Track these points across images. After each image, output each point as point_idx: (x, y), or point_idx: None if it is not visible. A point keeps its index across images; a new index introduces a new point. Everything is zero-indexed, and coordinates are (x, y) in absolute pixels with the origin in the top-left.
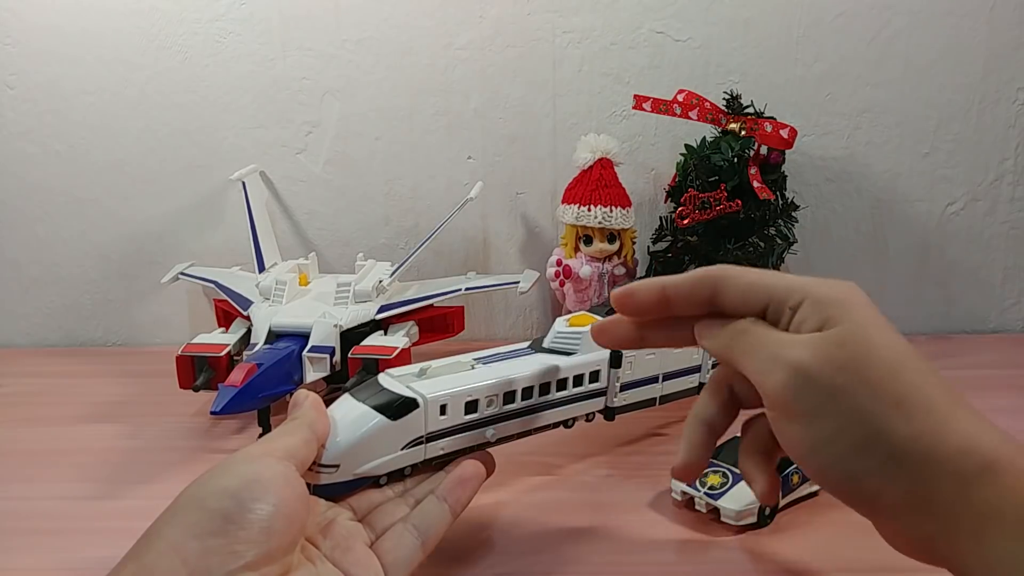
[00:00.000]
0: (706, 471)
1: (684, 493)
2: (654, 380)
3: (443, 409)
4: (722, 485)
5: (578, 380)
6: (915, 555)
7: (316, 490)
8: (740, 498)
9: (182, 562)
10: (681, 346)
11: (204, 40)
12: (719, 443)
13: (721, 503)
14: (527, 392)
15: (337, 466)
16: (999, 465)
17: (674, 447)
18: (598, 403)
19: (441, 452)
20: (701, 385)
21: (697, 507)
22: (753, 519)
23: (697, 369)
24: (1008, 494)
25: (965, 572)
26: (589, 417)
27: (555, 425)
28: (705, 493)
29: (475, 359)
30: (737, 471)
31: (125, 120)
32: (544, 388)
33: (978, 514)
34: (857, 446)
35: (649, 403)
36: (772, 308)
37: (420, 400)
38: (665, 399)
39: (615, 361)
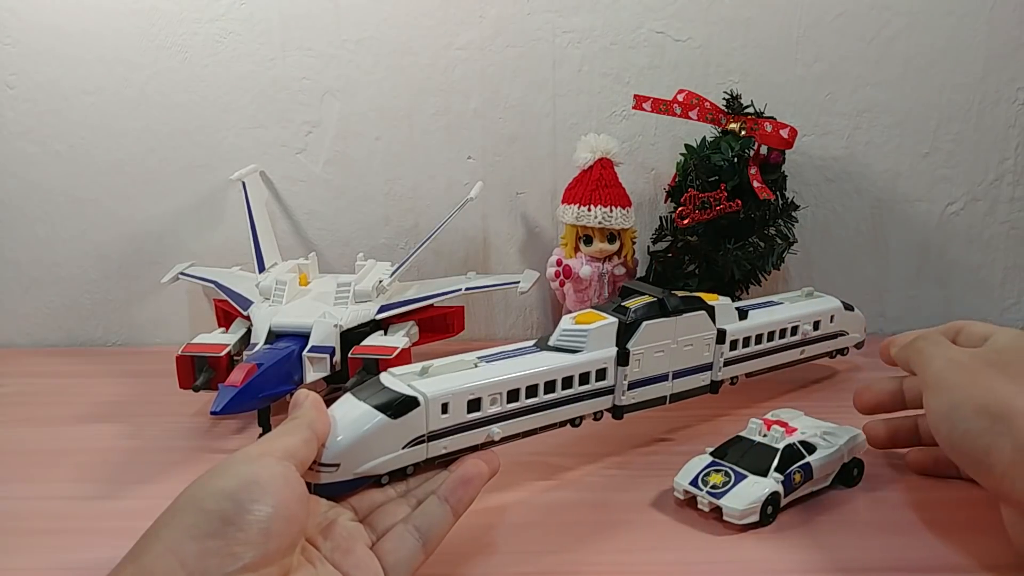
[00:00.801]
0: (708, 470)
1: (686, 492)
2: (664, 378)
3: (444, 408)
4: (724, 484)
5: (584, 378)
6: (1022, 509)
7: (317, 489)
8: (743, 497)
9: (180, 564)
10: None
11: (204, 40)
12: (721, 443)
13: (723, 502)
14: (531, 390)
15: (338, 465)
16: None
17: (682, 449)
18: (606, 401)
19: (443, 451)
20: (713, 383)
21: (700, 506)
22: (755, 518)
23: (708, 367)
24: None
25: None
26: (597, 416)
27: (562, 424)
28: (708, 492)
29: (479, 358)
30: (739, 470)
31: (125, 120)
32: (549, 386)
33: None
34: (977, 408)
35: (659, 402)
36: (973, 343)
37: (421, 398)
38: (675, 397)
39: (622, 359)
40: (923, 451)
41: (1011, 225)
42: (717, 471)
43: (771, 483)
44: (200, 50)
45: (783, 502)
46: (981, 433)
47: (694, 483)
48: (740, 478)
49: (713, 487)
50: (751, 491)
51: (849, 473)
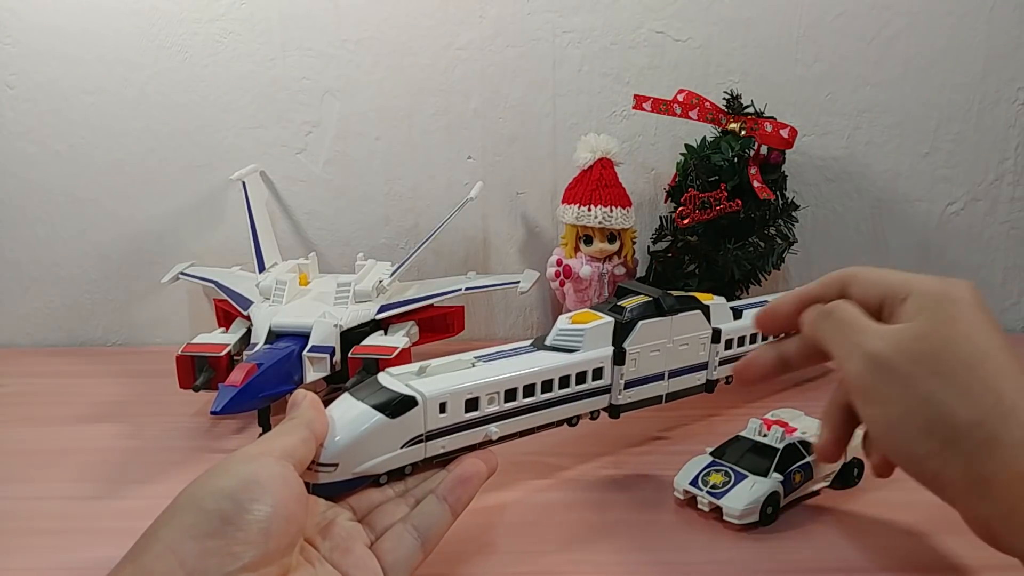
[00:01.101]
0: (708, 470)
1: (686, 492)
2: (659, 377)
3: (443, 407)
4: (724, 484)
5: (581, 377)
6: (983, 538)
7: (315, 489)
8: (742, 497)
9: (180, 563)
10: (817, 357)
11: (204, 40)
12: (720, 442)
13: (723, 502)
14: (529, 390)
15: (336, 465)
16: None
17: (678, 448)
18: (602, 400)
19: (442, 451)
20: (708, 382)
21: (700, 506)
22: (755, 518)
23: (704, 366)
24: None
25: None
26: (594, 415)
27: (559, 423)
28: (708, 492)
29: (476, 357)
30: (739, 470)
31: (125, 120)
32: (546, 386)
33: None
34: (921, 429)
35: (655, 400)
36: (887, 302)
37: (419, 398)
38: (671, 396)
39: (618, 358)
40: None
41: (1011, 225)
42: (717, 471)
43: (771, 483)
44: (200, 50)
45: (783, 502)
46: (927, 456)
47: (694, 483)
48: (740, 478)
49: (713, 487)
50: (751, 491)
51: (849, 473)
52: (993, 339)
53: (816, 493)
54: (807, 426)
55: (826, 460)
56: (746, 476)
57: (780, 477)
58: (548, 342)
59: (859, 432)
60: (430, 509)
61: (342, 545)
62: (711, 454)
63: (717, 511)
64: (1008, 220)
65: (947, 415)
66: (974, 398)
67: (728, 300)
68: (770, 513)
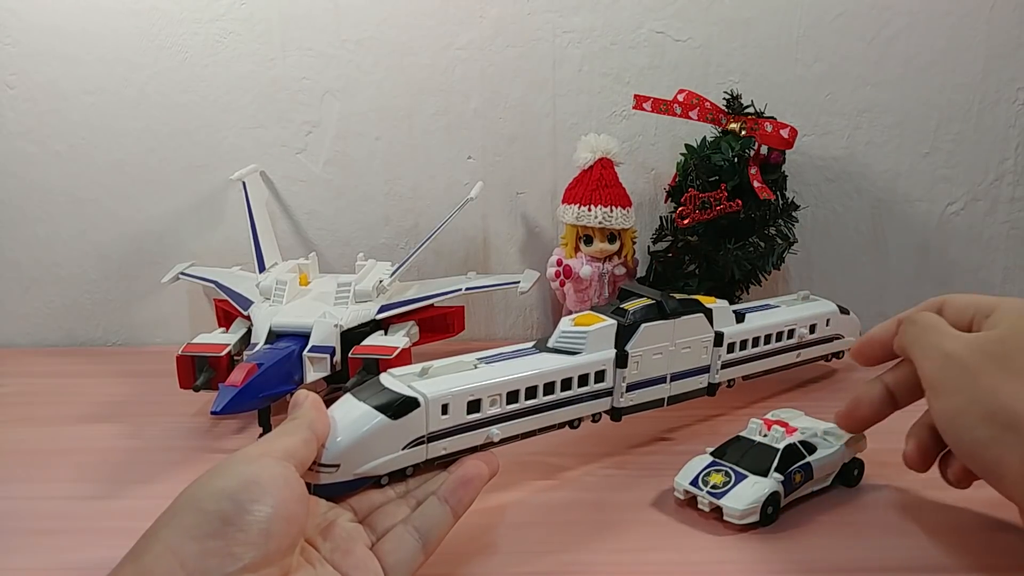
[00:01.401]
0: (708, 470)
1: (687, 492)
2: (662, 380)
3: (445, 408)
4: (725, 484)
5: (583, 380)
6: None
7: (316, 490)
8: (743, 497)
9: (180, 564)
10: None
11: (204, 40)
12: (721, 442)
13: (724, 502)
14: (531, 392)
15: (337, 466)
16: None
17: (680, 448)
18: (604, 403)
19: (443, 452)
20: (710, 386)
21: (700, 506)
22: (756, 518)
23: (706, 370)
24: None
25: None
26: (595, 418)
27: (560, 425)
28: (708, 492)
29: (478, 359)
30: (740, 470)
31: (125, 120)
32: (548, 388)
33: None
34: (984, 416)
35: (657, 404)
36: (976, 319)
37: (421, 399)
38: (673, 400)
39: (621, 361)
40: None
41: (1011, 225)
42: (717, 471)
43: (771, 483)
44: (200, 50)
45: (783, 502)
46: (990, 443)
47: (694, 483)
48: (740, 478)
49: (713, 487)
50: (751, 491)
51: (849, 473)
52: None
53: (816, 493)
54: (807, 426)
55: (911, 467)
56: (746, 476)
57: (780, 477)
58: (551, 344)
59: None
60: (431, 511)
61: (343, 546)
62: (712, 454)
63: (717, 511)
64: (1008, 220)
65: (1011, 402)
66: None
67: (728, 300)
68: (770, 513)
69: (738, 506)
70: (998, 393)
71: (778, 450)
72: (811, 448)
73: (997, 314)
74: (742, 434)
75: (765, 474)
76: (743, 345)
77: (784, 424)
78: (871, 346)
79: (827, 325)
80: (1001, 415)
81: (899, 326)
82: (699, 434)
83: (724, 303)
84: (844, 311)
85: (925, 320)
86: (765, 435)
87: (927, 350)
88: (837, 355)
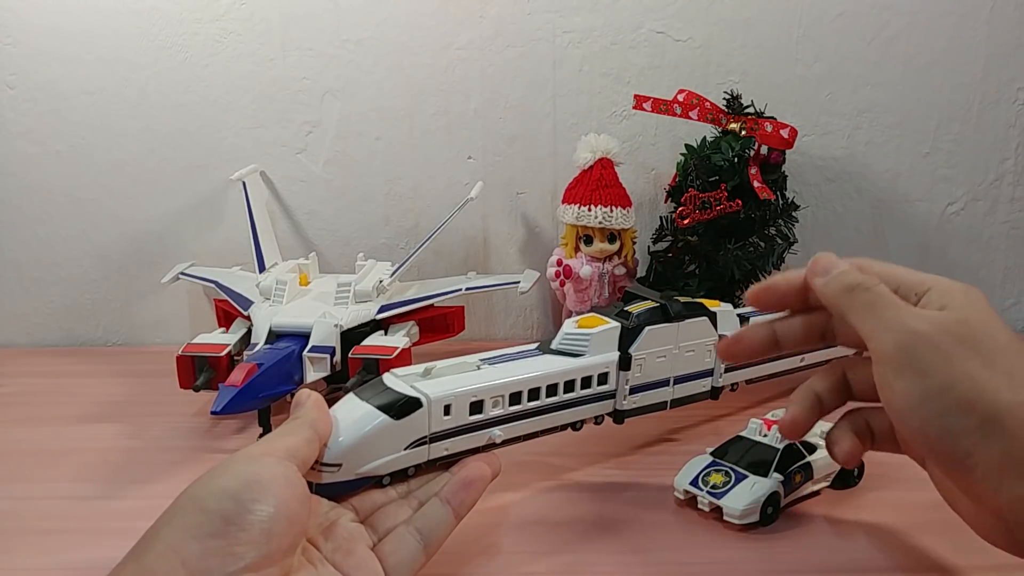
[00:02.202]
0: (708, 470)
1: (687, 492)
2: (665, 383)
3: (447, 409)
4: (725, 484)
5: (586, 382)
6: (1004, 515)
7: (318, 489)
8: (742, 497)
9: (182, 563)
10: (814, 339)
11: (204, 40)
12: (721, 443)
13: (724, 502)
14: (533, 393)
15: (339, 465)
16: None
17: (682, 449)
18: (607, 406)
19: (445, 453)
20: (714, 389)
21: (700, 506)
22: (755, 518)
23: (709, 373)
24: None
25: None
26: (598, 420)
27: (563, 427)
28: (708, 492)
29: (481, 360)
30: (739, 470)
31: (125, 120)
32: (551, 390)
33: None
34: (960, 403)
35: (660, 407)
36: (901, 293)
37: (424, 400)
38: (676, 403)
39: (624, 363)
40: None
41: (1011, 225)
42: (717, 471)
43: (771, 483)
44: (200, 50)
45: (783, 502)
46: (964, 432)
47: (694, 483)
48: (740, 478)
49: (713, 487)
50: (751, 491)
51: (849, 473)
52: (1015, 335)
53: (816, 493)
54: None
55: (790, 436)
56: (746, 476)
57: (780, 477)
58: (554, 346)
59: (823, 424)
60: (433, 512)
61: (344, 546)
62: (712, 454)
63: (717, 511)
64: (1008, 220)
65: (990, 393)
66: (1016, 381)
67: (728, 300)
68: (770, 513)
69: (738, 506)
70: (976, 380)
71: (778, 450)
72: (811, 448)
73: (937, 293)
74: (742, 434)
75: (765, 474)
76: None
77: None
78: (773, 294)
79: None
80: (980, 405)
81: (809, 278)
82: (702, 435)
83: (728, 306)
84: None
85: (880, 290)
86: (765, 435)
87: (888, 323)
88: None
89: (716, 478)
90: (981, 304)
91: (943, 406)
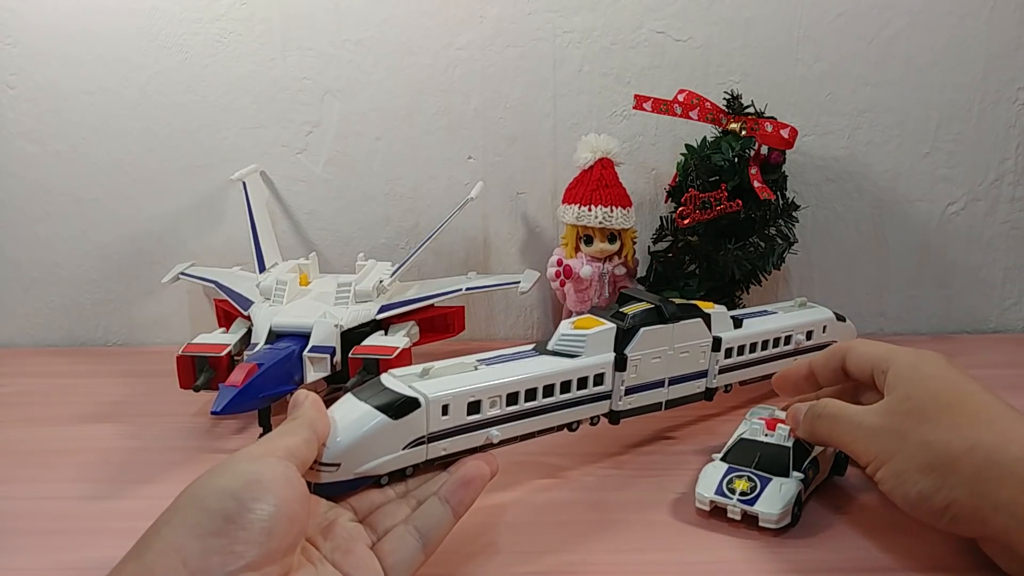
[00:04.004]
0: (731, 477)
1: (712, 502)
2: (660, 384)
3: (445, 409)
4: (752, 490)
5: (582, 383)
6: (1002, 547)
7: (317, 489)
8: (776, 501)
9: (182, 562)
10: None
11: (204, 40)
12: (728, 447)
13: (759, 508)
14: (530, 394)
15: (338, 465)
16: None
17: (678, 448)
18: (603, 406)
19: (443, 452)
20: (708, 390)
21: (730, 515)
22: (789, 520)
23: (704, 374)
24: None
25: None
26: (594, 421)
27: (559, 428)
28: (738, 500)
29: (478, 360)
30: (761, 474)
31: (125, 120)
32: (548, 390)
33: None
34: (923, 467)
35: (655, 407)
36: (876, 372)
37: (422, 400)
38: (671, 404)
39: (620, 364)
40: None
41: (1011, 225)
42: (739, 477)
43: (795, 483)
44: (200, 50)
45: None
46: (935, 491)
47: (720, 492)
48: (765, 482)
49: (743, 494)
50: (781, 494)
51: (841, 462)
52: (969, 385)
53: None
54: None
55: (780, 385)
56: (770, 479)
57: (801, 475)
58: (550, 347)
59: (801, 407)
60: (432, 511)
61: (343, 546)
62: (724, 460)
63: (720, 512)
64: (1008, 220)
65: (943, 449)
66: (964, 430)
67: (728, 300)
68: (797, 513)
69: (774, 511)
70: (929, 443)
71: (789, 448)
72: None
73: (892, 372)
74: (745, 435)
75: (786, 474)
76: (740, 350)
77: (784, 421)
78: (787, 382)
79: (823, 332)
80: (938, 462)
81: (810, 372)
82: (697, 434)
83: (722, 308)
84: (840, 318)
85: (831, 409)
86: (767, 434)
87: (849, 433)
88: None
89: (741, 484)
90: (927, 369)
91: (912, 475)
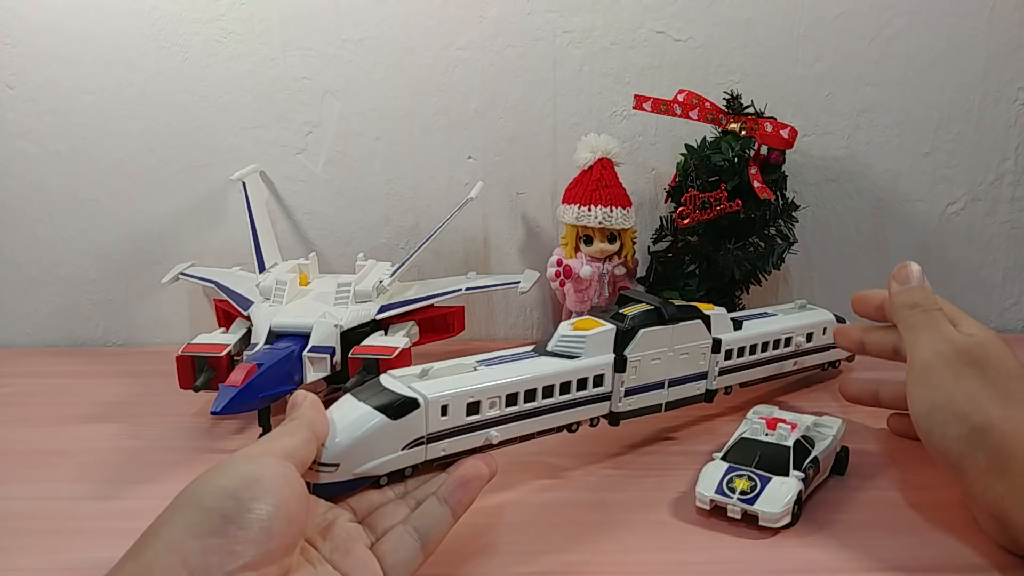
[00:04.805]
0: (731, 476)
1: (712, 501)
2: (660, 386)
3: (444, 410)
4: (753, 489)
5: (582, 384)
6: (991, 513)
7: (316, 489)
8: (777, 500)
9: (181, 561)
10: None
11: (204, 40)
12: (728, 446)
13: (759, 507)
14: (530, 395)
15: (337, 465)
16: None
17: (678, 448)
18: (602, 407)
19: (442, 453)
20: (708, 392)
21: (730, 514)
22: (789, 519)
23: (704, 375)
24: None
25: None
26: (593, 422)
27: (559, 429)
28: (739, 499)
29: (478, 361)
30: (761, 473)
31: (125, 120)
32: (547, 391)
33: None
34: (957, 415)
35: (655, 409)
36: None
37: (421, 400)
38: (671, 405)
39: (619, 366)
40: (902, 417)
41: (1011, 225)
42: (739, 476)
43: (795, 482)
44: (200, 50)
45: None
46: (958, 439)
47: (720, 491)
48: (765, 481)
49: (743, 493)
50: (782, 492)
51: (841, 462)
52: (1019, 364)
53: (816, 489)
54: (797, 420)
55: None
56: (770, 478)
57: (801, 475)
58: (550, 348)
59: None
60: (431, 511)
61: (342, 546)
62: (724, 459)
63: (720, 511)
64: (1008, 220)
65: (983, 408)
66: (1007, 402)
67: (728, 300)
68: (797, 512)
69: (775, 510)
70: (974, 396)
71: (789, 447)
72: (811, 442)
73: (965, 323)
74: (745, 435)
75: (785, 473)
76: (740, 352)
77: (784, 421)
78: (867, 304)
79: (824, 334)
80: (973, 416)
81: (889, 278)
82: (697, 434)
83: (722, 310)
84: (841, 320)
85: (935, 316)
86: (768, 433)
87: (924, 343)
88: (834, 364)
89: (741, 484)
90: (1002, 342)
91: (944, 415)
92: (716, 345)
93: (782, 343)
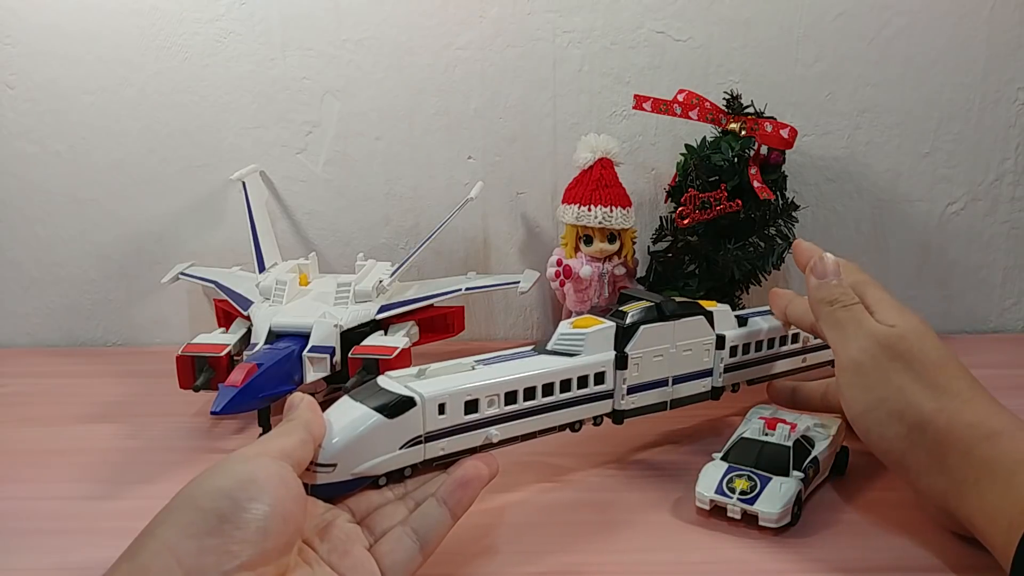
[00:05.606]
0: (731, 476)
1: (712, 501)
2: (663, 383)
3: (441, 408)
4: (752, 489)
5: (583, 382)
6: (937, 509)
7: (313, 490)
8: (776, 500)
9: (177, 562)
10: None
11: (204, 40)
12: (728, 446)
13: (759, 507)
14: (529, 393)
15: (334, 466)
16: (999, 434)
17: (681, 449)
18: (605, 406)
19: (441, 452)
20: (714, 389)
21: (731, 514)
22: (789, 519)
23: (709, 373)
24: (1001, 455)
25: (968, 519)
26: (597, 421)
27: (561, 428)
28: (738, 499)
29: (476, 361)
30: (761, 473)
31: (125, 120)
32: (547, 389)
33: (977, 470)
34: (893, 413)
35: (659, 407)
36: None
37: (418, 399)
38: (676, 403)
39: (620, 362)
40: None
41: (1011, 225)
42: (739, 476)
43: (795, 482)
44: (200, 50)
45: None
46: (897, 439)
47: (720, 491)
48: (765, 481)
49: (742, 493)
50: (781, 492)
51: (841, 462)
52: (947, 351)
53: (815, 488)
54: (797, 419)
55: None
56: (770, 478)
57: (801, 475)
58: (549, 346)
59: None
60: (430, 512)
61: (340, 547)
62: (724, 459)
63: (719, 511)
64: (1008, 220)
65: (916, 404)
66: (938, 392)
67: (728, 300)
68: (797, 513)
69: (774, 510)
70: (905, 392)
71: (789, 447)
72: (811, 442)
73: (897, 318)
74: (746, 435)
75: (786, 473)
76: (746, 349)
77: (783, 420)
78: (776, 305)
79: None
80: (908, 414)
81: (808, 271)
82: (701, 435)
83: (726, 307)
84: None
85: (854, 311)
86: (768, 433)
87: (848, 340)
88: None
89: (741, 484)
90: (922, 326)
91: (879, 415)
92: (720, 342)
93: (789, 339)
